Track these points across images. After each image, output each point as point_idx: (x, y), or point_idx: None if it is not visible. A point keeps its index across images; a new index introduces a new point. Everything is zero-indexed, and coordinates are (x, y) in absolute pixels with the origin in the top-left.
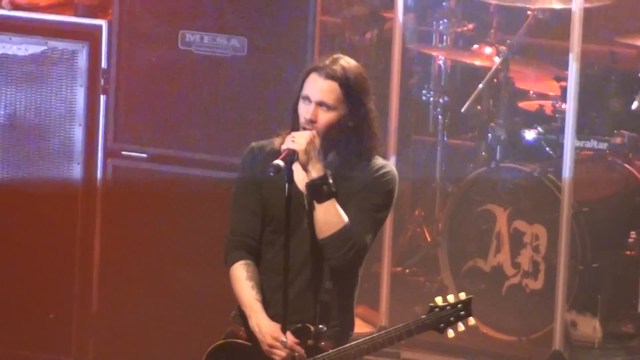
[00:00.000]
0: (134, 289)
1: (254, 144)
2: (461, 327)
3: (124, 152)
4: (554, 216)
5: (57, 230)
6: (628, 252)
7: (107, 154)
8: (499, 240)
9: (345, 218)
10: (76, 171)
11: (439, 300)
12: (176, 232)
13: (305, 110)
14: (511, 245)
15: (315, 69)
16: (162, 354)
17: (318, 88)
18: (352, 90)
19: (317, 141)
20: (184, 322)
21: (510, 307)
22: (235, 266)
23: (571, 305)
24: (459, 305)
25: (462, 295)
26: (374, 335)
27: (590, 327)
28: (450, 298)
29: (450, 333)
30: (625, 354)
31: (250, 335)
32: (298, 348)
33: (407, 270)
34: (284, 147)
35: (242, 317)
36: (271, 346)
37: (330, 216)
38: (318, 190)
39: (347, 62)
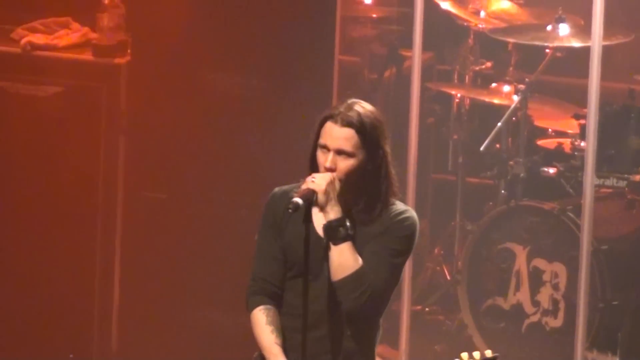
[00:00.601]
0: (153, 328)
1: (276, 189)
2: None
3: (143, 193)
4: (574, 254)
5: (75, 270)
6: None
7: (126, 193)
8: (518, 279)
9: (360, 262)
10: (96, 211)
11: (464, 356)
12: (196, 271)
13: (324, 159)
14: (531, 284)
15: (331, 117)
16: None
17: (335, 136)
18: (369, 135)
19: (337, 184)
20: (204, 359)
21: (530, 345)
22: (255, 311)
23: (591, 344)
24: None
25: (489, 353)
26: None
27: None
28: (476, 355)
29: None
30: None
31: None
32: None
33: (427, 309)
34: (304, 186)
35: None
36: None
37: (344, 259)
38: (334, 232)
39: (362, 107)
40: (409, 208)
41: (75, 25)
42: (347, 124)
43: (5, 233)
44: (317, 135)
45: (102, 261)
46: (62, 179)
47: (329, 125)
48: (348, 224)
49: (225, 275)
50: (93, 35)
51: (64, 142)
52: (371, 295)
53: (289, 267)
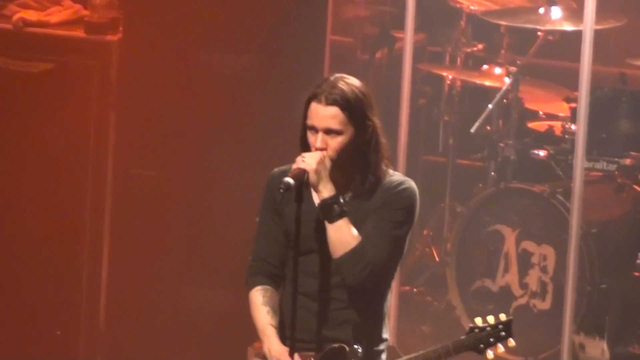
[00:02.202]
0: (142, 306)
1: (275, 169)
2: (501, 348)
3: (133, 170)
4: (563, 237)
5: (64, 248)
6: (636, 274)
7: (116, 171)
8: (507, 261)
9: (359, 238)
10: (86, 188)
11: (478, 321)
12: (186, 248)
13: (314, 140)
14: (519, 266)
15: (315, 97)
16: None
17: (321, 116)
18: (354, 110)
19: (328, 162)
20: (193, 339)
21: (517, 327)
22: (253, 291)
23: (579, 327)
24: (499, 326)
25: (503, 317)
26: (412, 356)
27: (598, 348)
28: (490, 319)
29: (490, 354)
30: None
31: None
32: None
33: (415, 290)
34: (294, 166)
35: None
36: None
37: (342, 236)
38: (329, 210)
39: (345, 82)
40: (407, 178)
41: (67, 2)
42: (332, 102)
43: None
44: (305, 117)
45: (91, 239)
46: (52, 156)
47: (314, 106)
48: (342, 200)
49: (215, 253)
50: (85, 12)
51: (54, 118)
52: (373, 270)
53: (293, 247)
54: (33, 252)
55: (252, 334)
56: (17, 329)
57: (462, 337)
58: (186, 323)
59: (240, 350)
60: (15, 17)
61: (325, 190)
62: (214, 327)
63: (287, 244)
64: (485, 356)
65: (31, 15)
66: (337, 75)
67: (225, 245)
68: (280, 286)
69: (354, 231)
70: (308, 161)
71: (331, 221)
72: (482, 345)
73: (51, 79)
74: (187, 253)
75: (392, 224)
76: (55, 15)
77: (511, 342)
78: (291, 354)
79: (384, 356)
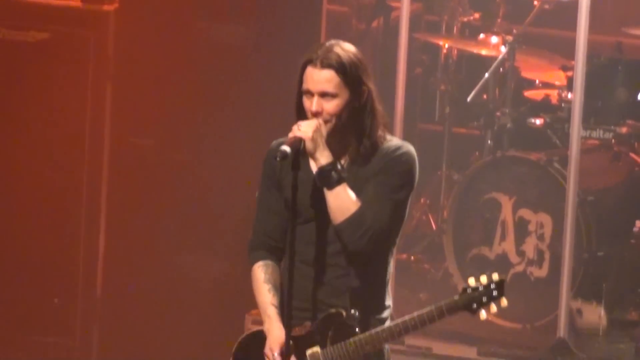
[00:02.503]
0: (139, 274)
1: (273, 142)
2: (494, 308)
3: (129, 139)
4: (559, 205)
5: (62, 216)
6: (633, 241)
7: (113, 140)
8: (503, 229)
9: (358, 203)
10: (83, 158)
11: (471, 281)
12: (182, 217)
13: (309, 104)
14: (516, 234)
15: (310, 61)
16: (167, 339)
17: (316, 79)
18: (350, 74)
19: (324, 129)
20: (190, 307)
21: (514, 294)
22: (254, 267)
23: (576, 293)
24: (491, 286)
25: (495, 276)
26: (406, 318)
27: (595, 314)
28: (483, 279)
29: (483, 314)
30: (630, 342)
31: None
32: None
33: (412, 258)
34: (290, 135)
35: (280, 314)
36: (266, 355)
37: (341, 202)
38: (327, 177)
39: (340, 47)
40: (405, 143)
41: None
42: (327, 65)
43: None
44: (300, 82)
45: (88, 207)
46: (48, 125)
47: (310, 70)
48: (340, 166)
49: (213, 221)
50: None
51: (51, 88)
52: (374, 235)
53: (296, 215)
54: (30, 219)
55: (250, 302)
56: (14, 296)
57: (455, 297)
58: (184, 290)
59: (238, 317)
60: None
61: (322, 158)
62: (212, 294)
63: (287, 215)
64: (479, 316)
65: None
66: (333, 40)
67: (223, 213)
68: (282, 259)
69: (353, 197)
70: (304, 129)
71: (330, 188)
72: (475, 305)
73: (47, 49)
74: (185, 221)
75: (391, 188)
76: None
77: (504, 301)
78: (289, 322)
79: (387, 324)
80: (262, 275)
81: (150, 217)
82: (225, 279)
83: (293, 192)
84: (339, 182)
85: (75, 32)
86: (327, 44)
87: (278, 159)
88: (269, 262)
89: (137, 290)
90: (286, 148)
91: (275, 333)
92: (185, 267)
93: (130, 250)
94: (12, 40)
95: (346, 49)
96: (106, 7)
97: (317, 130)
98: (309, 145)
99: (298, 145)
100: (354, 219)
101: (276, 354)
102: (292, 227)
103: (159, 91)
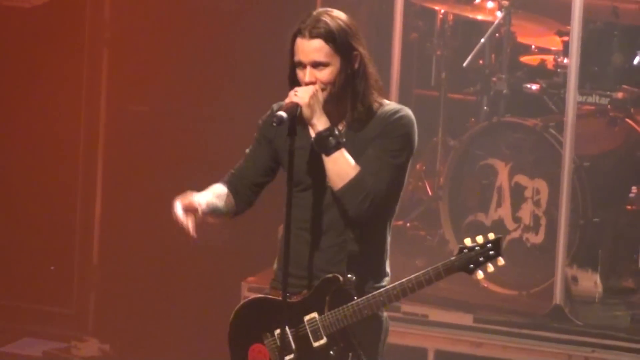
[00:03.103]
0: (135, 241)
1: (275, 104)
2: (490, 267)
3: (126, 106)
4: (555, 171)
5: (58, 183)
6: (629, 207)
7: (109, 106)
8: (500, 195)
9: (357, 168)
10: (79, 124)
11: (467, 241)
12: (179, 184)
13: (303, 75)
14: (512, 200)
15: (299, 32)
16: (163, 307)
17: (306, 50)
18: (339, 41)
19: (320, 95)
20: (186, 274)
21: (510, 261)
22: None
23: (572, 260)
24: (488, 245)
25: (491, 235)
26: (403, 280)
27: (590, 281)
28: (479, 239)
29: (480, 274)
30: (626, 309)
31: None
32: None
33: (408, 224)
34: (287, 100)
35: (279, 282)
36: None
37: (340, 167)
38: (325, 143)
39: (328, 15)
40: (403, 107)
41: None
42: (315, 35)
43: None
44: (292, 54)
45: (84, 173)
46: (44, 90)
47: (299, 41)
48: (337, 132)
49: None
50: None
51: (47, 53)
52: (374, 200)
53: (295, 183)
54: (26, 188)
55: (246, 270)
56: (11, 264)
57: (452, 258)
58: (180, 258)
59: (234, 284)
60: None
61: (319, 123)
62: (208, 261)
63: (269, 174)
64: (476, 276)
65: None
66: (321, 9)
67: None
68: (236, 201)
69: (352, 162)
70: (300, 94)
71: (328, 154)
72: (472, 265)
73: (44, 14)
74: (181, 189)
75: (390, 152)
76: None
77: (500, 260)
78: (284, 288)
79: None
80: (212, 187)
81: (147, 183)
82: (221, 246)
83: (290, 158)
84: (337, 147)
85: None
86: (315, 13)
87: (274, 124)
88: (223, 186)
89: (133, 258)
90: (282, 113)
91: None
92: (181, 234)
93: (126, 218)
94: (8, 5)
95: (334, 16)
96: None
97: (313, 96)
98: (305, 111)
99: (295, 110)
100: (354, 184)
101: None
102: (289, 193)
103: (156, 57)
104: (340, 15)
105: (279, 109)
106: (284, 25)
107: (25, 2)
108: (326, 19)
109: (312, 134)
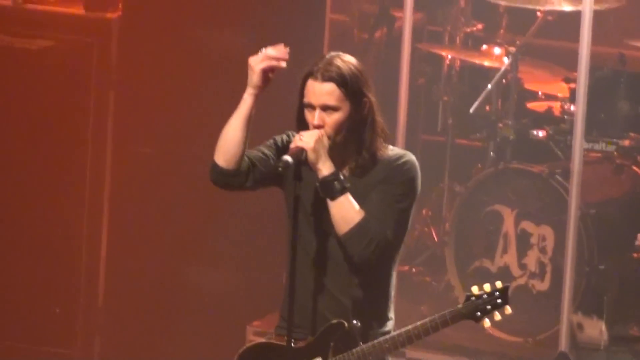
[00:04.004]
0: (140, 283)
1: (289, 131)
2: (498, 316)
3: (132, 148)
4: (561, 217)
5: (63, 225)
6: (635, 255)
7: (115, 148)
8: (505, 241)
9: (362, 212)
10: (85, 166)
11: (474, 289)
12: (184, 227)
13: (311, 117)
14: (518, 246)
15: (311, 74)
16: (168, 350)
17: (317, 92)
18: (350, 86)
19: (326, 140)
20: (191, 317)
21: (516, 308)
22: None
23: (577, 307)
24: (495, 294)
25: (499, 284)
26: (409, 327)
27: (596, 329)
28: (487, 287)
29: (487, 322)
30: (632, 357)
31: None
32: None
33: (414, 270)
34: (292, 145)
35: (283, 327)
36: (253, 61)
37: (345, 212)
38: (330, 187)
39: (341, 59)
40: (407, 152)
41: None
42: (328, 78)
43: None
44: (301, 95)
45: (90, 215)
46: (51, 133)
47: (311, 83)
48: (342, 177)
49: (214, 232)
50: None
51: (54, 95)
52: (379, 244)
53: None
54: (32, 229)
55: (251, 313)
56: (16, 306)
57: (459, 305)
58: (185, 301)
59: (239, 328)
60: None
61: (324, 168)
62: (213, 305)
63: (267, 176)
64: (482, 324)
65: None
66: (333, 53)
67: (225, 224)
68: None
69: (357, 207)
70: (306, 139)
71: (333, 198)
72: (479, 313)
73: (50, 56)
74: (187, 231)
75: (394, 197)
76: None
77: (508, 309)
78: (289, 335)
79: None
80: None
81: (152, 226)
82: (226, 289)
83: (295, 203)
84: (342, 192)
85: (79, 39)
86: (328, 56)
87: (280, 168)
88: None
89: (139, 301)
90: (288, 158)
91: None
92: (187, 277)
93: (131, 260)
94: (16, 47)
95: (347, 60)
96: (109, 15)
97: (319, 140)
98: (310, 155)
99: (300, 155)
100: (359, 229)
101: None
102: (294, 237)
103: (162, 99)
104: (352, 60)
105: (287, 153)
106: (291, 69)
107: (32, 44)
108: (339, 63)
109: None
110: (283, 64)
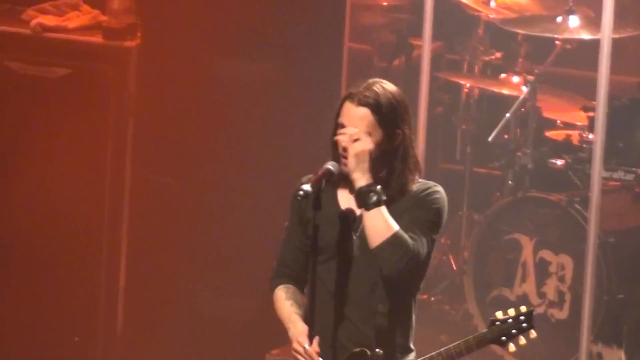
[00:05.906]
0: (159, 312)
1: (303, 178)
2: (522, 340)
3: (150, 176)
4: (580, 246)
5: (83, 254)
6: None
7: (134, 177)
8: (524, 270)
9: (396, 226)
10: (104, 195)
11: (499, 314)
12: (203, 255)
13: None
14: (537, 275)
15: (349, 96)
16: None
17: (351, 115)
18: (385, 115)
19: (367, 155)
20: (210, 346)
21: (535, 337)
22: (276, 290)
23: (596, 336)
24: (520, 318)
25: (523, 308)
26: (433, 354)
27: (615, 358)
28: (511, 311)
29: (512, 347)
30: None
31: None
32: (315, 357)
33: (433, 298)
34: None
35: None
36: (295, 350)
37: (379, 223)
38: (366, 197)
39: (381, 86)
40: (436, 184)
41: (85, 8)
42: (363, 103)
43: (12, 213)
44: (338, 115)
45: (109, 244)
46: (70, 162)
47: (347, 105)
48: (379, 189)
49: (232, 260)
50: (103, 17)
51: (72, 124)
52: (413, 258)
53: (319, 252)
54: (51, 257)
55: (269, 342)
56: (35, 334)
57: (484, 330)
58: (203, 330)
59: (258, 357)
60: (33, 22)
61: (362, 179)
62: (231, 333)
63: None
64: (508, 348)
65: (49, 21)
66: (377, 79)
67: (243, 252)
68: (304, 288)
69: (391, 220)
70: (357, 147)
71: (368, 208)
72: (504, 338)
73: (69, 85)
74: (205, 259)
75: (425, 222)
76: (74, 20)
77: (533, 333)
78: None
79: None
80: (283, 294)
81: (171, 255)
82: (246, 317)
83: (314, 232)
84: (378, 203)
85: (97, 68)
86: (370, 80)
87: (299, 197)
88: (289, 285)
89: (157, 330)
90: (307, 187)
91: (298, 329)
92: (206, 306)
93: (150, 289)
94: (34, 75)
95: (387, 88)
96: (128, 44)
97: (364, 151)
98: (351, 161)
99: (319, 184)
100: (394, 240)
101: (307, 346)
102: (314, 265)
103: (181, 128)
104: (392, 88)
105: (306, 181)
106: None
107: (51, 72)
108: (378, 89)
109: (343, 198)
110: None
